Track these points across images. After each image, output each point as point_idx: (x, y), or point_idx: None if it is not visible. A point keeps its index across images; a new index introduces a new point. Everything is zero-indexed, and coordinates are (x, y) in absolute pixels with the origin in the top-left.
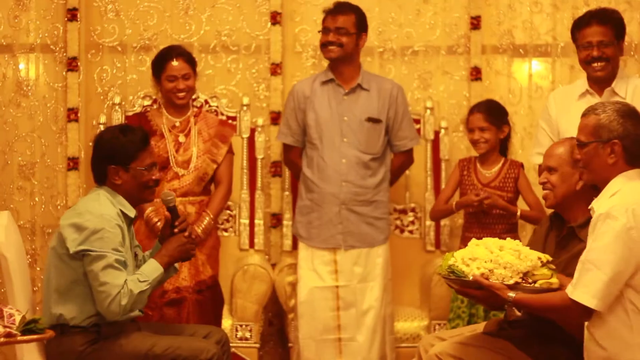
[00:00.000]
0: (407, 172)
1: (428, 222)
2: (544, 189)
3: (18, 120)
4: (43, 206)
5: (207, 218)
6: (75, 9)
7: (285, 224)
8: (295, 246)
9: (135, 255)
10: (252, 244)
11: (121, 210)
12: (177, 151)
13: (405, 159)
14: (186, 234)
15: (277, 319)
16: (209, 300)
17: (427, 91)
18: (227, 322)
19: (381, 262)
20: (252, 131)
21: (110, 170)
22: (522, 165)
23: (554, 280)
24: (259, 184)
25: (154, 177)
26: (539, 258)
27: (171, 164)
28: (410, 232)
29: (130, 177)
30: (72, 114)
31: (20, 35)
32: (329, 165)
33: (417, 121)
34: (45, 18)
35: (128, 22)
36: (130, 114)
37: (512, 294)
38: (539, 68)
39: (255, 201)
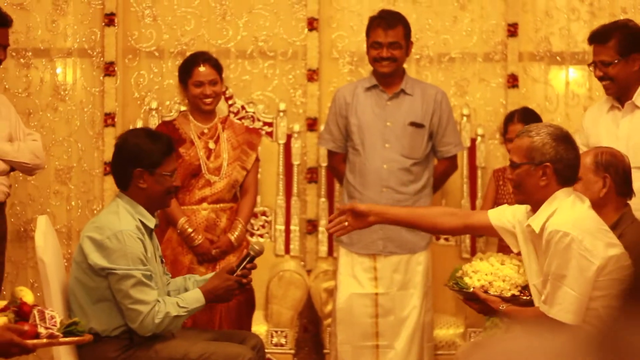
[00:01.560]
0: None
1: None
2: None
3: (55, 124)
4: (79, 210)
5: (240, 226)
6: (112, 14)
7: (321, 230)
8: (330, 252)
9: (161, 261)
10: (287, 250)
11: (141, 221)
12: (208, 158)
13: (449, 165)
14: (244, 280)
15: (312, 325)
16: (242, 305)
17: (464, 98)
18: (262, 328)
19: (422, 270)
20: (289, 137)
21: (136, 173)
22: None
23: None
24: (294, 190)
25: (175, 184)
26: None
27: (203, 171)
28: (446, 239)
29: (155, 181)
30: (109, 119)
31: (57, 39)
32: (371, 171)
33: None
34: (82, 23)
35: (165, 27)
36: (167, 119)
37: (503, 306)
38: (575, 76)
39: (291, 207)
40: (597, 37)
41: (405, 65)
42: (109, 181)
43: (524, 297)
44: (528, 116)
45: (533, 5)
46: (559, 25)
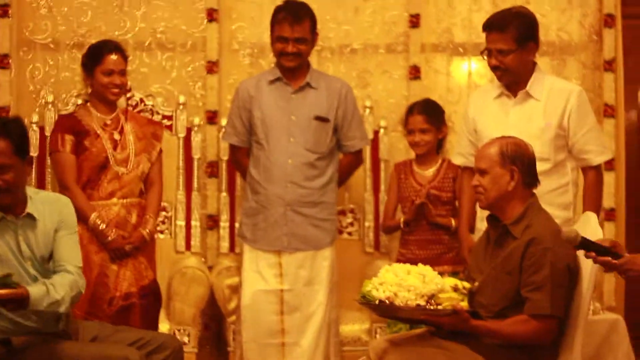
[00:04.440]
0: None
1: (367, 224)
2: (476, 192)
3: None
4: None
5: (151, 220)
6: (6, 5)
7: (222, 225)
8: (232, 248)
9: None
10: (188, 246)
11: None
12: (114, 149)
13: (354, 160)
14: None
15: (214, 323)
16: (153, 305)
17: (366, 90)
18: (164, 327)
19: (327, 265)
20: (189, 131)
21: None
22: (459, 166)
23: (464, 304)
24: (195, 184)
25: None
26: (455, 285)
27: (111, 162)
28: (349, 233)
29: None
30: (4, 113)
31: None
32: (275, 166)
33: None
34: None
35: (61, 18)
36: (63, 112)
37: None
38: (478, 67)
39: (192, 202)
40: (495, 24)
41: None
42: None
43: (430, 307)
44: (429, 108)
45: None
46: (461, 16)
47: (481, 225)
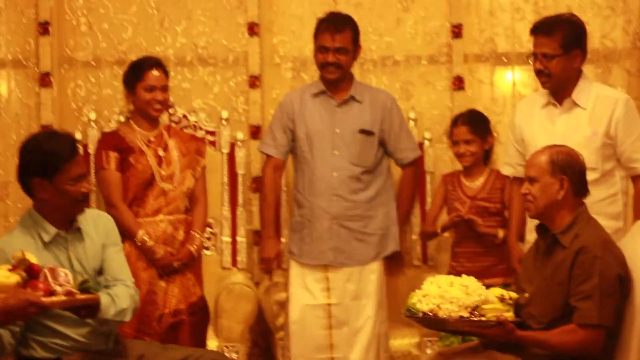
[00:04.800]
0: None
1: (414, 237)
2: (525, 200)
3: None
4: None
5: (198, 236)
6: (47, 23)
7: None
8: (278, 264)
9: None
10: (234, 262)
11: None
12: (159, 166)
13: (411, 172)
14: None
15: (262, 339)
16: (201, 322)
17: (409, 102)
18: (212, 344)
19: (375, 279)
20: (232, 146)
21: (35, 183)
22: (508, 177)
23: (509, 315)
24: (240, 200)
25: (82, 190)
26: (502, 295)
27: (157, 179)
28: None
29: (56, 191)
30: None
31: None
32: (320, 179)
33: None
34: (16, 32)
35: (102, 35)
36: (106, 130)
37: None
38: (522, 76)
39: (237, 218)
40: (542, 28)
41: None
42: None
43: (474, 318)
44: (474, 119)
45: (477, 6)
46: (504, 25)
47: (530, 236)
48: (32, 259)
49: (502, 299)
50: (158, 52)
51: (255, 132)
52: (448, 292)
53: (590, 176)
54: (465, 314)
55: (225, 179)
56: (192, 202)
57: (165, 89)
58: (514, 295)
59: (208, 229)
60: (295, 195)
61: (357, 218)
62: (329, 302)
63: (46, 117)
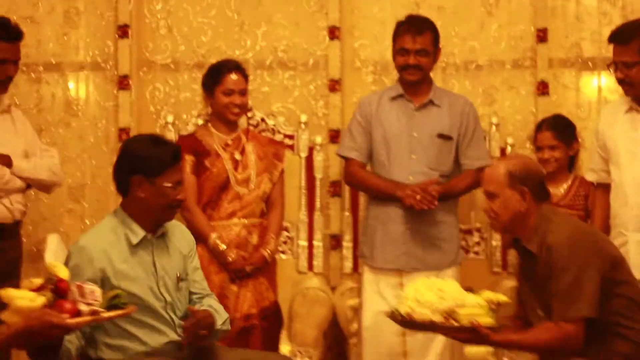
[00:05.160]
0: (473, 190)
1: (494, 243)
2: (488, 217)
3: (68, 141)
4: None
5: (272, 241)
6: (126, 26)
7: (345, 245)
8: (355, 268)
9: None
10: (310, 267)
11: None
12: (235, 169)
13: (470, 179)
14: None
15: (336, 344)
16: (274, 326)
17: (492, 107)
18: (285, 348)
19: None
20: (311, 150)
21: (134, 180)
22: (593, 183)
23: (486, 320)
24: (317, 204)
25: (179, 197)
26: (489, 299)
27: (232, 182)
28: (476, 253)
29: (154, 192)
30: (124, 134)
31: (69, 53)
32: None
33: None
34: (95, 35)
35: (181, 38)
36: (183, 133)
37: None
38: (608, 81)
39: (314, 222)
40: (619, 37)
41: (431, 74)
42: None
43: (445, 324)
44: (558, 124)
45: (563, 10)
46: (591, 29)
47: (617, 243)
48: (63, 272)
49: (489, 303)
50: (237, 56)
51: (334, 136)
52: (423, 296)
53: None
54: (439, 318)
55: (303, 183)
56: (269, 206)
57: (243, 92)
58: (503, 299)
59: (284, 233)
60: (369, 198)
61: (431, 223)
62: None
63: (124, 120)
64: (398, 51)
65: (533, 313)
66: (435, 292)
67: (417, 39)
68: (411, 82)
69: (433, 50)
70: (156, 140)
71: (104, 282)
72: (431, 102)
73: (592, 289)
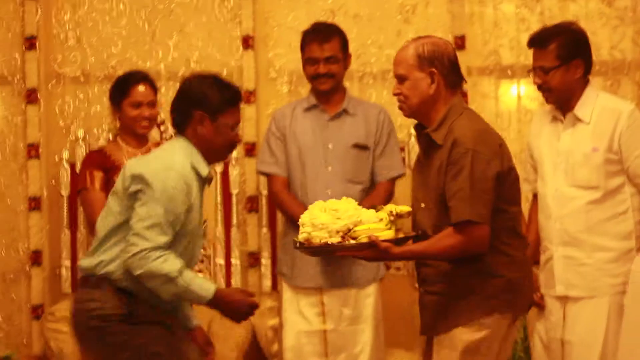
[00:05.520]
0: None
1: None
2: (398, 101)
3: None
4: (4, 251)
5: None
6: (33, 37)
7: (264, 263)
8: (275, 287)
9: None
10: (228, 285)
11: (194, 168)
12: None
13: (383, 190)
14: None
15: None
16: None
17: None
18: None
19: (371, 302)
20: (226, 165)
21: (196, 115)
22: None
23: (386, 234)
24: (234, 220)
25: (237, 139)
26: (390, 212)
27: None
28: (397, 268)
29: (214, 129)
30: (33, 150)
31: None
32: (313, 197)
33: (402, 149)
34: (1, 48)
35: (90, 49)
36: (94, 148)
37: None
38: (527, 89)
39: (231, 239)
40: (537, 41)
41: (347, 83)
42: (35, 217)
43: (341, 243)
44: None
45: (480, 17)
46: (509, 36)
47: (543, 257)
48: None
49: (390, 216)
50: (149, 67)
51: (250, 150)
52: (317, 219)
53: (592, 196)
54: (337, 239)
55: (219, 199)
56: None
57: (152, 104)
58: (405, 209)
59: (201, 251)
60: None
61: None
62: (325, 328)
63: (33, 134)
64: (307, 61)
65: (417, 205)
66: (329, 213)
67: (324, 46)
68: (324, 91)
69: (343, 57)
70: (219, 80)
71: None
72: (345, 112)
73: (490, 195)
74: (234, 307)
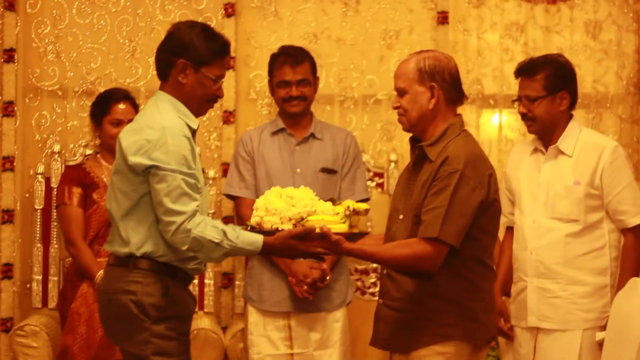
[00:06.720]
0: (369, 228)
1: None
2: (398, 115)
3: None
4: None
5: None
6: (12, 50)
7: (237, 284)
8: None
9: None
10: (201, 306)
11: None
12: None
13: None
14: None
15: None
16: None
17: (391, 143)
18: None
19: (339, 327)
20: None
21: (178, 64)
22: None
23: (339, 227)
24: None
25: (219, 93)
26: (347, 207)
27: None
28: (372, 294)
29: (196, 80)
30: (7, 163)
31: None
32: None
33: (381, 175)
34: None
35: (69, 64)
36: (71, 163)
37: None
38: (509, 119)
39: None
40: (525, 70)
41: (327, 108)
42: (7, 230)
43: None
44: None
45: (464, 45)
46: (492, 66)
47: (515, 289)
48: None
49: (347, 211)
50: (128, 84)
51: (227, 170)
52: (271, 204)
53: (571, 228)
54: (288, 226)
55: None
56: None
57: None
58: (363, 206)
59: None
60: None
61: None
62: (292, 352)
63: (8, 148)
64: (278, 84)
65: (395, 216)
66: (285, 199)
67: (297, 69)
68: (295, 113)
69: (313, 80)
70: (208, 30)
71: None
72: (312, 136)
73: (466, 220)
74: (285, 253)
